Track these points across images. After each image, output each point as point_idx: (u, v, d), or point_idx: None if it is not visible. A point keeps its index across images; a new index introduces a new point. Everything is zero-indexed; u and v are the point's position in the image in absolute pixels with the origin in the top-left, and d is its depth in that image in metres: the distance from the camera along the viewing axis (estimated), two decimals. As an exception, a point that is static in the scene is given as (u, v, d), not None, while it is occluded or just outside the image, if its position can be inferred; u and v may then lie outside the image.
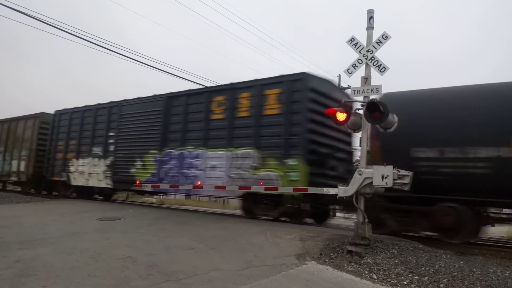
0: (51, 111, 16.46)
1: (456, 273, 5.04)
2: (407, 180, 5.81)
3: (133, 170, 11.79)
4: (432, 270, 5.17)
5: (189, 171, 10.35)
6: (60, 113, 15.41)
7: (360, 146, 6.43)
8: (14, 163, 17.07)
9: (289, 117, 8.67)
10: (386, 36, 6.32)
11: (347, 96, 9.78)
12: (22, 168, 16.60)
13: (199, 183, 9.88)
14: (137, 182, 11.47)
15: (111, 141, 12.86)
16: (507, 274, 5.07)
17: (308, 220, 9.50)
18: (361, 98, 6.41)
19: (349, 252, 5.91)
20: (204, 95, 10.46)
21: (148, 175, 11.33)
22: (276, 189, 8.36)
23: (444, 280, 4.84)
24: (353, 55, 6.66)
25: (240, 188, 8.97)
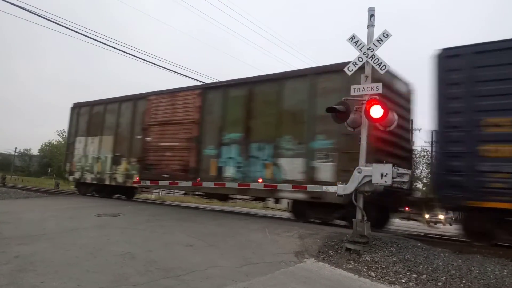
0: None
1: (454, 272, 5.05)
2: (406, 178, 5.81)
3: None
4: (430, 268, 5.18)
5: None
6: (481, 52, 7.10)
7: (360, 143, 6.40)
8: (290, 165, 8.83)
9: None
10: (387, 34, 6.30)
11: None
12: (325, 173, 8.28)
13: None
14: None
15: None
16: (505, 273, 5.08)
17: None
18: (361, 96, 6.39)
19: (348, 250, 5.92)
20: None
21: None
22: None
23: (442, 278, 4.85)
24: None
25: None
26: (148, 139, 11.74)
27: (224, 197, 11.45)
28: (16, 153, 79.80)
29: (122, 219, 8.36)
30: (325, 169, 8.26)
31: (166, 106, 11.60)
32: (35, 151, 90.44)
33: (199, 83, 12.87)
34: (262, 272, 4.72)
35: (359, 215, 6.17)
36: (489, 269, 5.23)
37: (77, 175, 14.50)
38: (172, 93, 11.59)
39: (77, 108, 15.12)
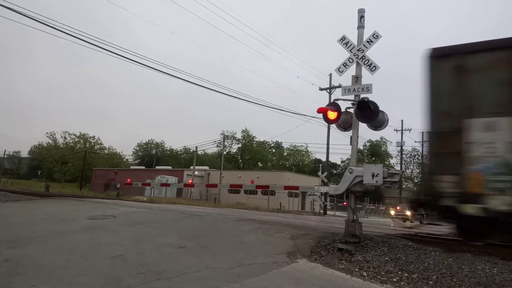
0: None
1: (445, 270, 5.10)
2: (397, 178, 5.86)
3: None
4: (422, 267, 5.23)
5: None
6: None
7: (351, 144, 6.46)
8: None
9: None
10: (377, 35, 6.37)
11: None
12: None
13: None
14: None
15: None
16: (495, 271, 5.14)
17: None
18: (352, 97, 6.45)
19: (340, 250, 5.95)
20: None
21: None
22: None
23: (433, 277, 4.90)
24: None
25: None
26: None
27: None
28: (5, 156, 78.72)
29: (114, 222, 8.29)
30: None
31: None
32: (24, 154, 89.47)
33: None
34: (255, 273, 4.73)
35: (350, 215, 6.22)
36: (480, 267, 5.29)
37: (494, 203, 6.43)
38: None
39: (451, 58, 7.18)
